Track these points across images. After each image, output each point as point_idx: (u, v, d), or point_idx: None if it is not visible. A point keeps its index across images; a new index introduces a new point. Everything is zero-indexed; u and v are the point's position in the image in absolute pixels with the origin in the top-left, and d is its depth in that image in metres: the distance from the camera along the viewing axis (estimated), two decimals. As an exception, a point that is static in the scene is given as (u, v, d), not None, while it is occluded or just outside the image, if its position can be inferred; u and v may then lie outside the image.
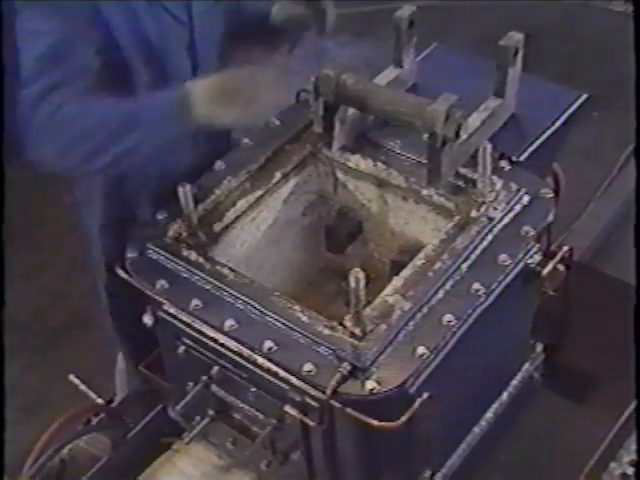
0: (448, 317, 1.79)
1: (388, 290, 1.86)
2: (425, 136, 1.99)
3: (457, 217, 2.00)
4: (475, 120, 2.11)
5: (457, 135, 1.96)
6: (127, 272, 1.96)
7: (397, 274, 1.89)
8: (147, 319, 2.02)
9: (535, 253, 1.97)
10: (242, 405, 2.00)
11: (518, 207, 2.00)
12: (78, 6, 1.90)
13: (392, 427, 1.73)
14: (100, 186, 2.18)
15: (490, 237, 1.94)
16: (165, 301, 1.92)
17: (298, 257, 2.36)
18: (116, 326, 2.40)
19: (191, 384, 2.05)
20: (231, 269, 1.94)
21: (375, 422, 1.72)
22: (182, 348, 1.99)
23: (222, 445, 2.19)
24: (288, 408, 1.83)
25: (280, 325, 1.82)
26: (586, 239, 3.22)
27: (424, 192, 2.12)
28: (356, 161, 2.19)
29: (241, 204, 2.11)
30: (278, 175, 2.17)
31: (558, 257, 1.98)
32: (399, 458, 1.94)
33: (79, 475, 2.31)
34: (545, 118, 2.29)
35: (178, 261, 1.94)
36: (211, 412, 2.10)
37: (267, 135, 2.22)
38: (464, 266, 1.89)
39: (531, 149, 2.23)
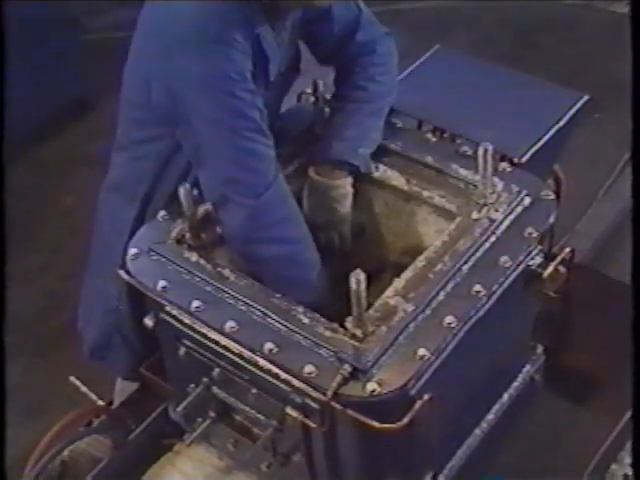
0: (449, 319, 1.79)
1: (389, 292, 1.85)
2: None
3: (458, 219, 2.00)
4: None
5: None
6: (128, 273, 1.96)
7: (398, 276, 1.89)
8: (148, 320, 2.02)
9: (536, 255, 1.96)
10: (243, 407, 2.00)
11: (519, 209, 1.99)
12: None
13: (393, 429, 1.73)
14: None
15: (492, 239, 1.94)
16: (166, 302, 1.92)
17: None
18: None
19: (192, 386, 2.05)
20: (232, 271, 1.94)
21: (376, 424, 1.71)
22: (183, 350, 1.99)
23: (223, 447, 2.18)
24: (289, 410, 1.83)
25: (281, 327, 1.82)
26: (587, 241, 3.21)
27: (425, 194, 2.12)
28: (357, 162, 2.19)
29: (242, 205, 2.11)
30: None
31: (559, 259, 1.98)
32: (400, 460, 1.94)
33: (80, 477, 2.30)
34: (546, 120, 2.29)
35: (179, 262, 1.94)
36: (212, 414, 2.09)
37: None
38: (465, 268, 1.89)
39: (532, 151, 2.23)
